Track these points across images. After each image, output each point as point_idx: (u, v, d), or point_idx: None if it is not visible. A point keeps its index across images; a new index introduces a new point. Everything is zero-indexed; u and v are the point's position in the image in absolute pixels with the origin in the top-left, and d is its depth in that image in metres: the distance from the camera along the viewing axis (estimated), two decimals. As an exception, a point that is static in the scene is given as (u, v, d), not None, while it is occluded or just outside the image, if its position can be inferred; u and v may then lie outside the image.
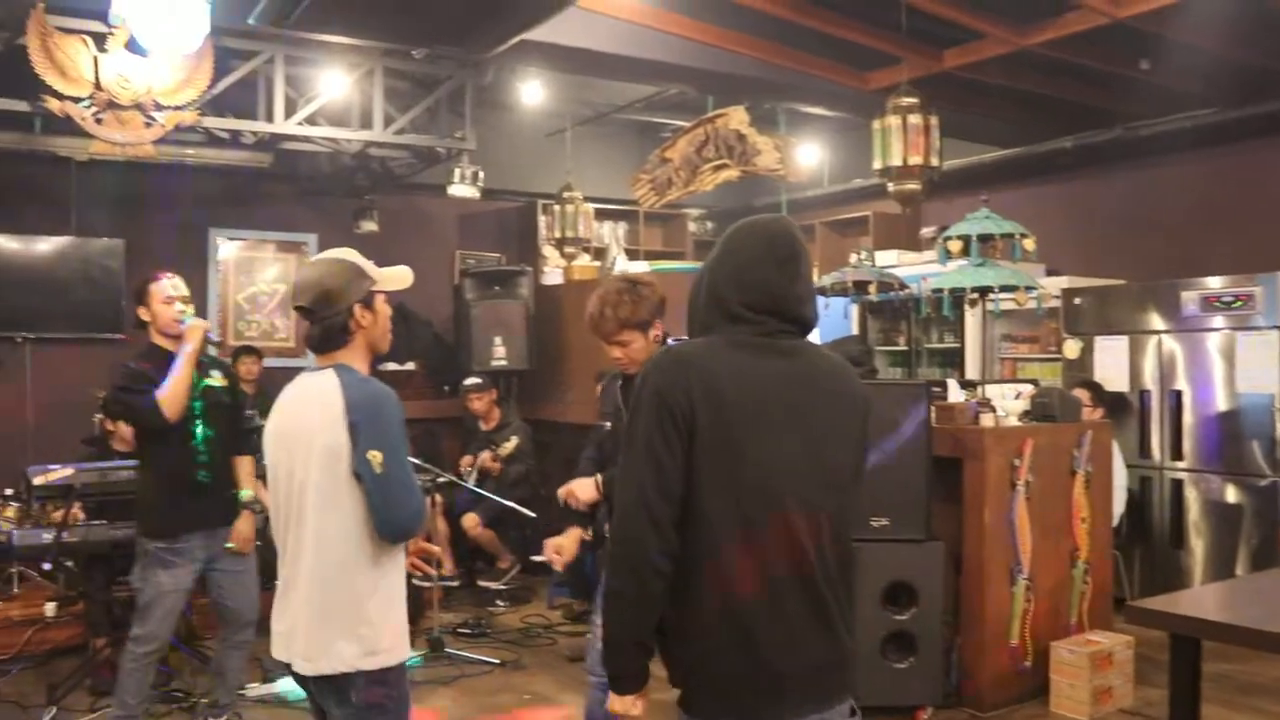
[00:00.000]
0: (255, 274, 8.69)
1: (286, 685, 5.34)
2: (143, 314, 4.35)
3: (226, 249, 8.57)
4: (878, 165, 5.74)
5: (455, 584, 7.24)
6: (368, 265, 2.84)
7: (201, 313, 8.45)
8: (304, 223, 8.75)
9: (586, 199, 8.57)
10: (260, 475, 3.89)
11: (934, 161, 5.57)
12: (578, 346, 8.01)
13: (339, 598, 2.68)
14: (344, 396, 2.68)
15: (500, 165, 8.43)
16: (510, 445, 6.95)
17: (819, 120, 8.64)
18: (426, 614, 6.69)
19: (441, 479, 6.25)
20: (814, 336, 3.66)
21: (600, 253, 9.27)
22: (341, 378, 2.72)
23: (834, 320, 9.21)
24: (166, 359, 4.29)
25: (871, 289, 5.93)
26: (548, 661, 6.02)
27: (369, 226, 8.35)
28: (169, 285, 4.35)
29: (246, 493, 4.56)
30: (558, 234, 8.43)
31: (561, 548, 3.78)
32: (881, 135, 5.68)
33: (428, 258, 9.04)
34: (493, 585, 7.19)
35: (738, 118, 6.77)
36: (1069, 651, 4.98)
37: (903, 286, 5.99)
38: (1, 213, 7.71)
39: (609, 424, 3.78)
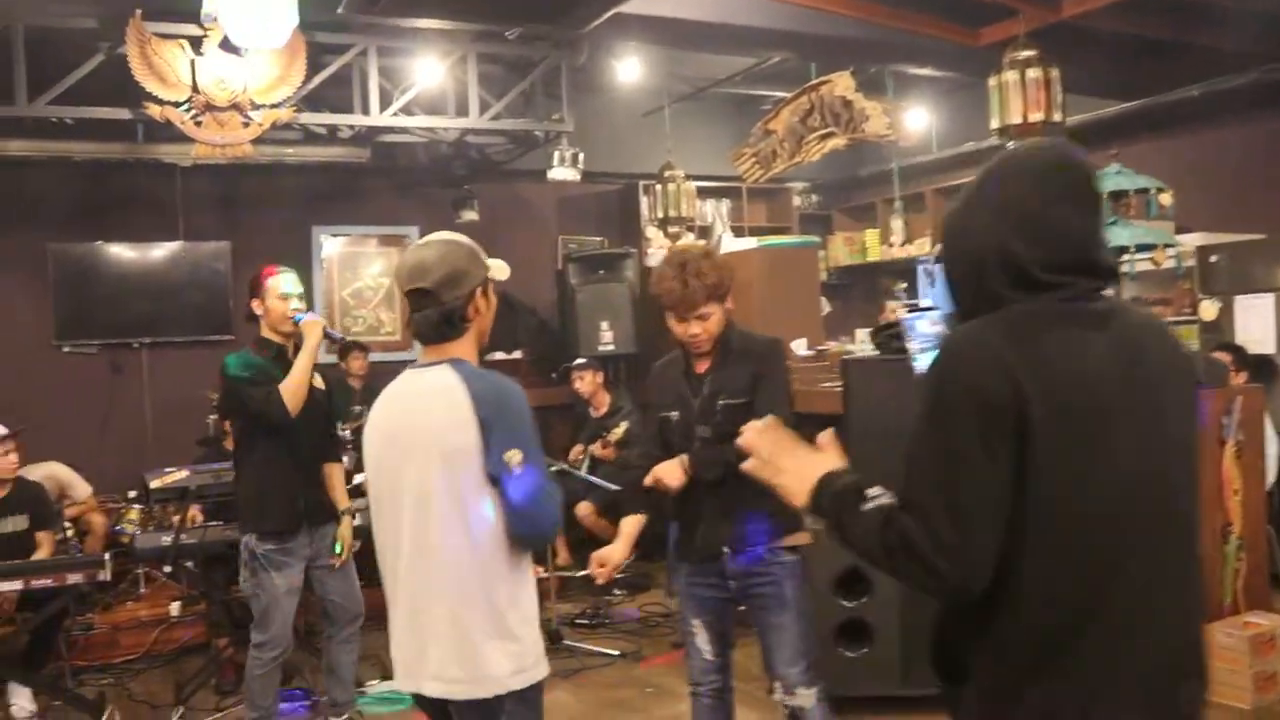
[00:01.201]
0: (359, 269, 8.69)
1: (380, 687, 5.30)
2: (255, 307, 4.31)
3: (330, 246, 8.59)
4: (995, 124, 5.44)
5: (570, 574, 7.13)
6: (480, 251, 2.66)
7: (310, 309, 8.56)
8: (405, 215, 8.72)
9: (688, 177, 8.36)
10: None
11: (1056, 117, 5.26)
12: (684, 327, 7.82)
13: (478, 613, 2.46)
14: (469, 392, 2.46)
15: (598, 147, 8.26)
16: (621, 430, 6.81)
17: (925, 82, 8.28)
18: (543, 604, 6.60)
19: (553, 468, 6.13)
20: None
21: (704, 231, 9.06)
22: (460, 371, 2.50)
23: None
24: (278, 354, 4.28)
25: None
26: (668, 652, 5.86)
27: (469, 216, 8.28)
28: (284, 281, 4.32)
29: (345, 503, 4.55)
30: (660, 214, 8.25)
31: (606, 559, 3.44)
32: (999, 92, 5.38)
33: (529, 244, 8.96)
34: (609, 574, 7.05)
35: (843, 83, 6.49)
36: (1226, 635, 4.64)
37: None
38: (113, 222, 7.85)
39: (675, 413, 3.48)
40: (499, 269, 2.70)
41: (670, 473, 3.34)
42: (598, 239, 9.29)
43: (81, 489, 6.77)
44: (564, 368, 7.31)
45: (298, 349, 4.28)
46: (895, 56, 7.01)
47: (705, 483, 3.32)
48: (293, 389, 4.16)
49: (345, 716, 4.66)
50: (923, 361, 1.76)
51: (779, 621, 3.40)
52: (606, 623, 6.35)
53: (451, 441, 2.44)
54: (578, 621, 6.27)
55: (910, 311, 5.45)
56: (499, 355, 8.47)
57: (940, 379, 1.69)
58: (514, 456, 2.42)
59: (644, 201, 9.06)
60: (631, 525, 3.50)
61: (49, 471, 6.58)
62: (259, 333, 4.36)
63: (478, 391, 2.47)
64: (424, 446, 2.48)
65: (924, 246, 8.87)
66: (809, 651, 3.43)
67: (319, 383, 4.41)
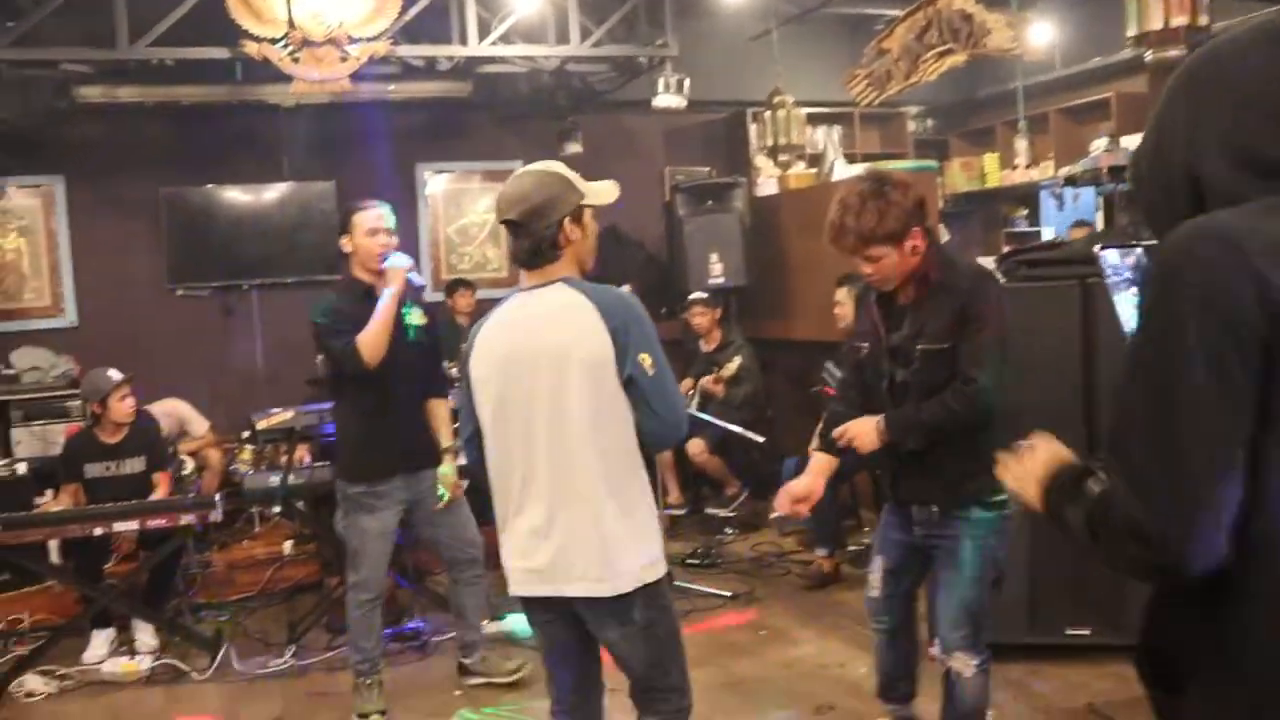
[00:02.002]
0: (464, 206, 8.59)
1: (516, 624, 5.25)
2: (345, 244, 4.19)
3: (434, 183, 8.51)
4: (1132, 32, 5.02)
5: (682, 512, 7.01)
6: (575, 178, 2.72)
7: (413, 249, 8.56)
8: (509, 150, 8.56)
9: (797, 103, 8.04)
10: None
11: (1202, 20, 4.81)
12: (799, 258, 7.57)
13: (614, 512, 2.60)
14: (594, 304, 2.58)
15: (704, 74, 7.97)
16: (733, 366, 6.61)
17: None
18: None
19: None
20: (1049, 233, 3.16)
21: (815, 159, 8.72)
22: (579, 288, 2.62)
23: (1083, 213, 8.43)
24: (366, 294, 4.16)
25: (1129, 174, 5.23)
26: (782, 593, 5.71)
27: (574, 148, 8.09)
28: (374, 215, 4.17)
29: (448, 441, 4.43)
30: (770, 142, 7.96)
31: (804, 494, 3.24)
32: (1135, -5, 4.95)
33: (635, 176, 8.70)
34: (720, 512, 6.91)
35: (962, -5, 6.11)
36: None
37: (1167, 168, 5.25)
38: (221, 165, 7.87)
39: (865, 345, 3.28)
40: (601, 192, 2.74)
41: (864, 435, 3.14)
42: (705, 169, 9.03)
43: (199, 424, 6.86)
44: (684, 303, 7.09)
45: (458, 280, 4.19)
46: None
47: None
48: (370, 340, 4.02)
49: (477, 656, 4.62)
50: (1120, 300, 1.50)
51: (947, 578, 3.21)
52: (719, 563, 6.21)
53: (585, 352, 2.56)
54: (688, 562, 6.14)
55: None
56: (607, 290, 8.33)
57: (1162, 289, 1.33)
58: (646, 360, 2.55)
59: (752, 130, 8.75)
60: (823, 464, 3.29)
61: (168, 408, 6.67)
62: (350, 273, 4.25)
63: (603, 304, 2.59)
64: (556, 360, 2.58)
65: (1048, 170, 8.40)
66: (975, 619, 3.19)
67: (422, 319, 4.29)
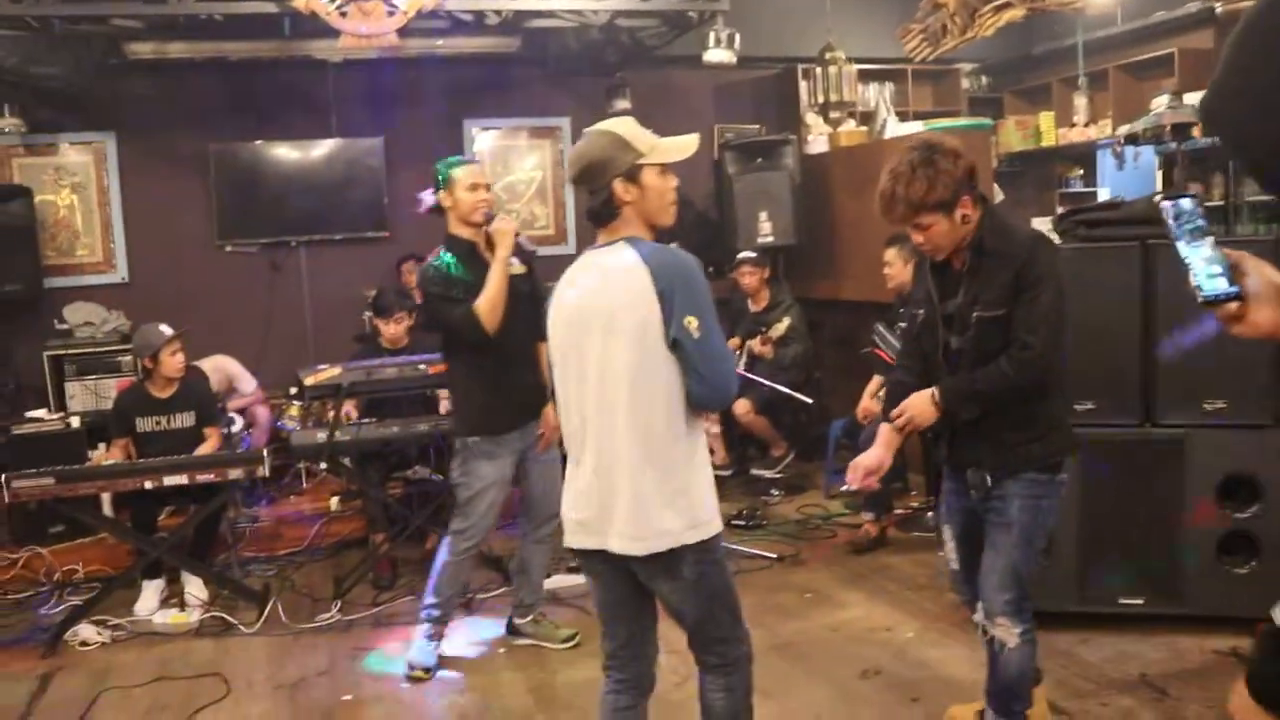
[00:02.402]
0: (512, 163, 8.53)
1: (559, 581, 5.26)
2: (444, 199, 4.16)
3: (482, 140, 8.45)
4: (1201, -16, 4.84)
5: (728, 473, 6.96)
6: (639, 136, 2.71)
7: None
8: (557, 107, 8.50)
9: (849, 60, 7.90)
10: None
11: (1274, -29, 4.63)
12: (849, 218, 7.47)
13: (658, 473, 2.62)
14: (647, 266, 2.59)
15: (754, 29, 7.80)
16: (782, 326, 6.53)
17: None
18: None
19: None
20: (1104, 193, 3.09)
21: (866, 117, 8.57)
22: (638, 248, 2.64)
23: (1143, 173, 8.24)
24: (471, 251, 4.15)
25: (1195, 132, 5.09)
26: (828, 555, 5.67)
27: (622, 105, 8.00)
28: (475, 170, 4.18)
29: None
30: (821, 99, 7.83)
31: (875, 467, 3.19)
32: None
33: (684, 133, 8.63)
34: (766, 474, 6.86)
35: (1022, -53, 5.94)
36: None
37: (1231, 126, 5.08)
38: (269, 121, 7.86)
39: (920, 312, 3.24)
40: (674, 149, 2.73)
41: (922, 411, 3.12)
42: (755, 127, 8.89)
43: (247, 382, 6.91)
44: (734, 260, 7.00)
45: (488, 243, 4.15)
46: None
47: None
48: (489, 307, 4.03)
49: (531, 617, 4.62)
50: (1191, 250, 1.43)
51: (995, 539, 3.15)
52: (764, 524, 6.17)
53: (633, 314, 2.58)
54: (734, 523, 6.10)
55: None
56: (653, 248, 8.25)
57: None
58: (692, 323, 2.54)
59: (803, 86, 8.61)
60: (890, 435, 3.23)
61: (217, 364, 6.73)
62: (447, 230, 4.22)
63: (655, 266, 2.59)
64: (606, 319, 2.62)
65: (1106, 129, 8.20)
66: (1021, 583, 3.13)
67: (521, 268, 4.25)
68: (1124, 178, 9.50)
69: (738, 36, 6.69)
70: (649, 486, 2.62)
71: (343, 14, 5.69)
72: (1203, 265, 1.56)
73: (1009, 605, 3.12)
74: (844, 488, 4.25)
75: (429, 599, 4.37)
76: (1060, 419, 3.17)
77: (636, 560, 2.66)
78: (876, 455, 3.21)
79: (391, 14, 5.74)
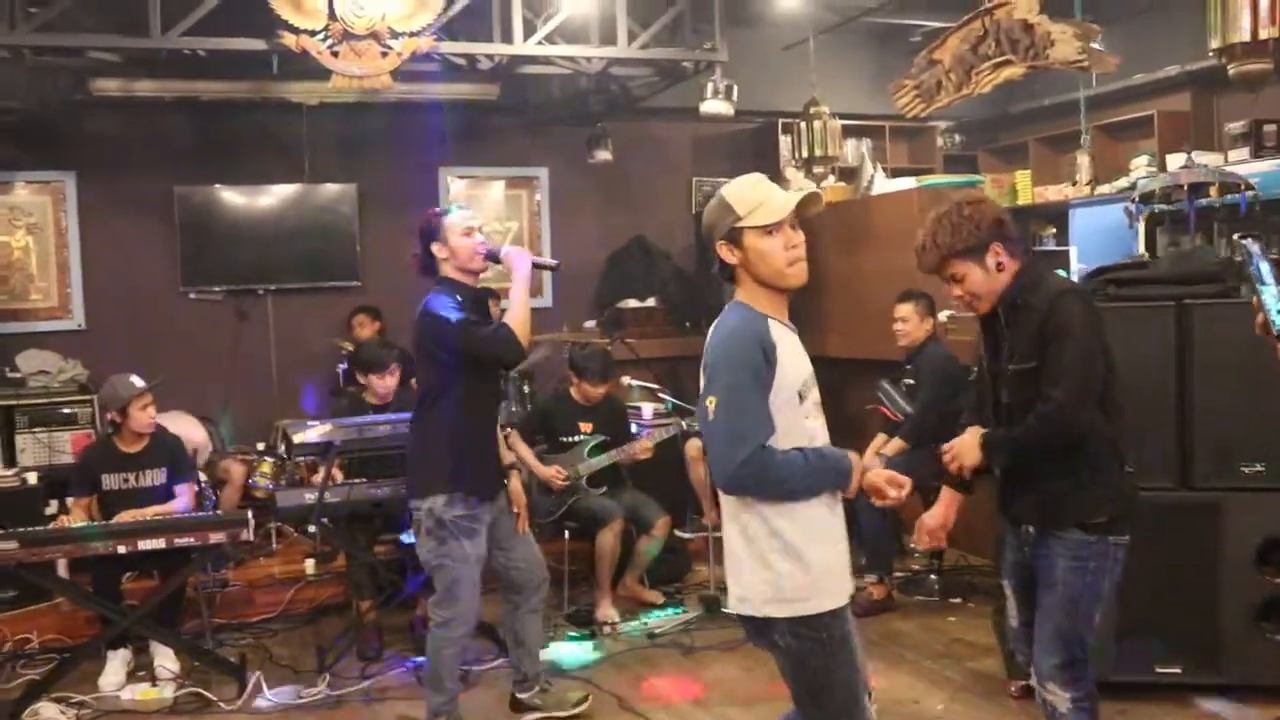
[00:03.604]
0: (487, 212, 8.30)
1: (558, 653, 5.02)
2: (438, 250, 3.94)
3: (457, 188, 8.22)
4: (1215, 44, 4.79)
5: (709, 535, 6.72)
6: (743, 197, 2.63)
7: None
8: (535, 156, 8.32)
9: (833, 114, 7.81)
10: None
11: (1292, 33, 4.60)
12: (837, 274, 7.36)
13: (740, 540, 2.64)
14: (710, 339, 2.66)
15: (735, 83, 7.74)
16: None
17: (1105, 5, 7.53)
18: (694, 568, 6.25)
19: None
20: (1072, 258, 3.13)
21: (847, 173, 8.50)
22: (727, 316, 2.68)
23: (1112, 234, 8.23)
24: (474, 298, 3.98)
25: (1212, 191, 5.04)
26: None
27: (603, 155, 7.85)
28: (466, 215, 3.99)
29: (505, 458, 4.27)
30: (804, 154, 7.71)
31: (936, 527, 3.25)
32: (1219, 6, 4.74)
33: (662, 185, 8.53)
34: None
35: (1025, 5, 5.86)
36: None
37: (1249, 187, 5.06)
38: (238, 164, 7.58)
39: (975, 369, 3.28)
40: (765, 211, 2.61)
41: (968, 452, 3.11)
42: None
43: (199, 439, 6.52)
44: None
45: (486, 290, 4.01)
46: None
47: None
48: (520, 322, 3.82)
49: (536, 689, 4.33)
50: (1267, 293, 1.56)
51: (1041, 600, 3.07)
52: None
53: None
54: (732, 587, 5.87)
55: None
56: (632, 303, 8.08)
57: None
58: (710, 403, 2.55)
59: (783, 140, 8.53)
60: (950, 493, 3.26)
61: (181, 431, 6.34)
62: (443, 276, 3.97)
63: (713, 341, 2.66)
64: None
65: (1084, 189, 8.21)
66: (1069, 648, 3.03)
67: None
68: (1094, 237, 9.57)
69: (735, 88, 6.56)
70: (739, 549, 2.64)
71: (334, 54, 5.47)
72: (1274, 302, 1.77)
73: (1056, 670, 3.04)
74: (910, 546, 4.13)
75: (435, 699, 4.01)
76: (1104, 472, 3.04)
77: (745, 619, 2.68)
78: (940, 514, 3.23)
79: (385, 55, 5.53)
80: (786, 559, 2.56)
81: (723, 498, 2.67)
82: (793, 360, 2.62)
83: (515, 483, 4.19)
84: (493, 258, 3.97)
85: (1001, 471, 3.15)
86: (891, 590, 5.64)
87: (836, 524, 2.68)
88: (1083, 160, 7.46)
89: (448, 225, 3.92)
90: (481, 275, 4.05)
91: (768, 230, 2.60)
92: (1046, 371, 2.96)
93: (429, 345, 3.89)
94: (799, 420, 2.61)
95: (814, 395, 2.69)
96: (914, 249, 3.09)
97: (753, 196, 2.62)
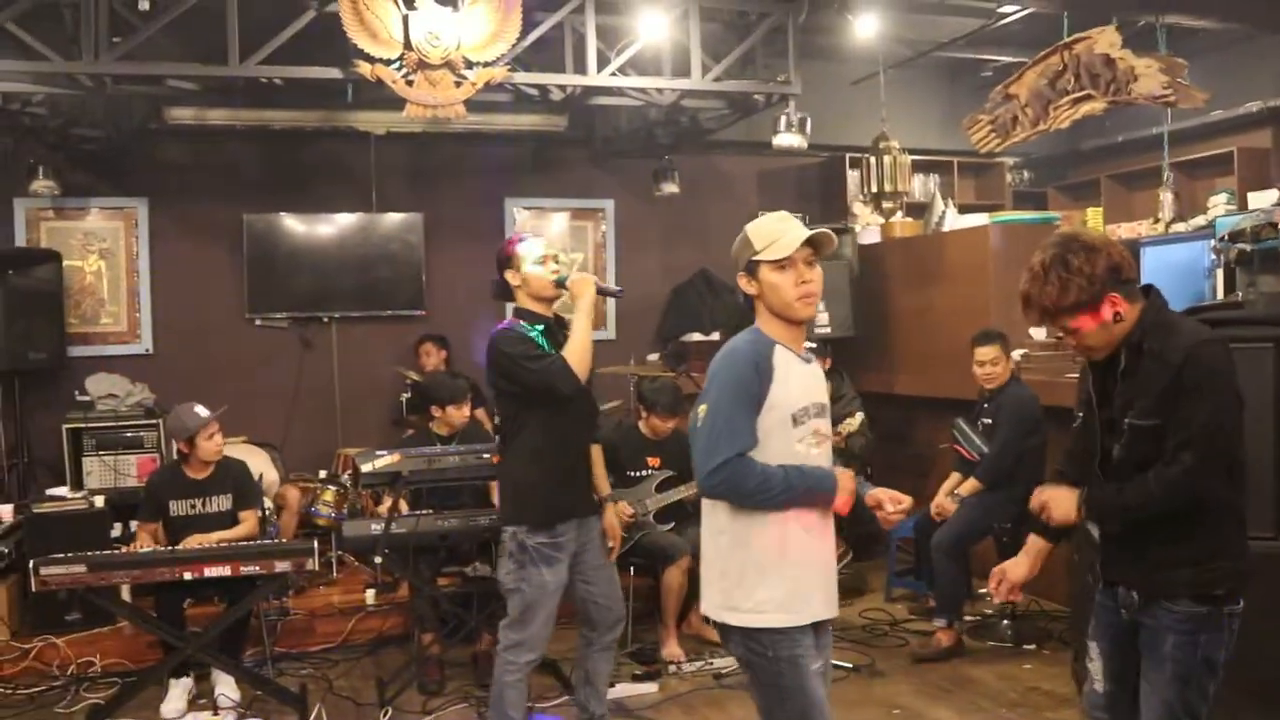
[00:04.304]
0: (553, 244, 8.25)
1: (624, 690, 4.91)
2: (511, 279, 3.95)
3: (522, 218, 8.21)
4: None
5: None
6: (762, 232, 2.81)
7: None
8: (601, 188, 8.29)
9: (902, 150, 7.72)
10: None
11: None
12: (906, 310, 7.25)
13: (710, 546, 2.85)
14: (717, 355, 2.84)
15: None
16: (855, 421, 6.22)
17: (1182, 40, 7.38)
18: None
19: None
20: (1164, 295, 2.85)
21: (915, 208, 8.39)
22: (737, 337, 2.85)
23: (1183, 271, 8.01)
24: (546, 327, 3.93)
25: (1309, 229, 4.88)
26: (903, 666, 5.31)
27: (670, 189, 7.80)
28: (540, 244, 3.97)
29: (606, 488, 4.20)
30: (874, 189, 7.62)
31: (1010, 577, 3.02)
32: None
33: (727, 219, 8.22)
34: (823, 576, 6.49)
35: (1106, 39, 5.77)
36: None
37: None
38: (306, 192, 7.62)
39: (1081, 415, 2.96)
40: (776, 247, 2.77)
41: (1063, 508, 2.86)
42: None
43: (270, 476, 6.52)
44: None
45: (559, 320, 3.95)
46: (1172, 6, 6.14)
47: None
48: (578, 354, 3.79)
49: None
50: None
51: (1148, 674, 2.80)
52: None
53: None
54: (798, 628, 5.74)
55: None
56: (696, 336, 8.01)
57: None
58: (700, 411, 2.73)
59: (850, 175, 8.45)
60: (1039, 545, 3.02)
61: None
62: (518, 306, 3.98)
63: (718, 355, 2.85)
64: None
65: (1156, 227, 8.04)
66: None
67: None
68: (1164, 276, 9.36)
69: (809, 121, 6.49)
70: (708, 547, 2.86)
71: (409, 83, 5.46)
72: None
73: None
74: (989, 597, 3.95)
75: None
76: (1227, 544, 2.76)
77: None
78: (1026, 566, 3.00)
79: (459, 85, 5.52)
80: (749, 570, 2.73)
81: (703, 502, 2.86)
82: (795, 385, 2.76)
83: (610, 515, 4.09)
84: (561, 284, 3.93)
85: (1103, 530, 2.90)
86: (961, 635, 5.47)
87: (817, 546, 2.79)
88: (1165, 197, 7.29)
89: (522, 253, 3.92)
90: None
91: (780, 265, 2.76)
92: (1176, 431, 2.66)
93: (495, 377, 3.92)
94: (790, 443, 2.73)
95: (817, 425, 2.81)
96: (1020, 295, 2.75)
97: (770, 233, 2.79)
